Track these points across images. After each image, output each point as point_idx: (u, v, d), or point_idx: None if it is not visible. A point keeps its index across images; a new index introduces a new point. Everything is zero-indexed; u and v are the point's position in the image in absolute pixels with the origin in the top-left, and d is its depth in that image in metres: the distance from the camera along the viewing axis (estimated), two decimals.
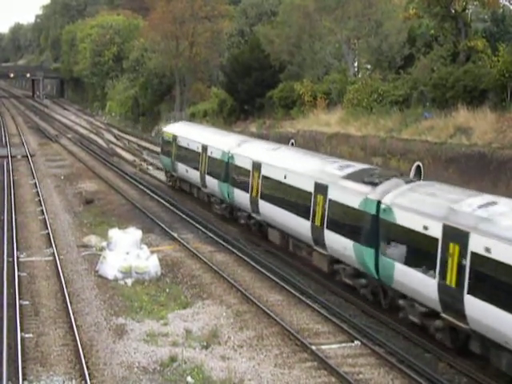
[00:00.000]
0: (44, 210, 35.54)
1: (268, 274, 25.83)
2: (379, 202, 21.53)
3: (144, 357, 18.80)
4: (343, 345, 19.95)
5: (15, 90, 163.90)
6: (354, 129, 40.58)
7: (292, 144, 44.56)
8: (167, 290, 24.30)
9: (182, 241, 30.36)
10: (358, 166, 25.40)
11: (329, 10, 49.75)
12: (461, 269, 17.84)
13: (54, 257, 27.44)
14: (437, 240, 18.74)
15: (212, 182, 34.61)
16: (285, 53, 53.40)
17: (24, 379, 17.20)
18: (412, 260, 20.00)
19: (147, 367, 18.24)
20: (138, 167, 51.70)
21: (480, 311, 17.24)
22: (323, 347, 19.60)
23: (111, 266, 25.39)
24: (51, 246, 29.11)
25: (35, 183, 43.84)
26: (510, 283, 16.34)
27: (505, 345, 16.75)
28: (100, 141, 68.71)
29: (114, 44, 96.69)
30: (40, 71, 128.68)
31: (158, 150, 55.17)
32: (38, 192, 40.86)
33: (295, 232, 26.80)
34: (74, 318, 20.94)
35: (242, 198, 31.25)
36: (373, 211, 21.70)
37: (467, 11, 42.74)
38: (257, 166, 29.84)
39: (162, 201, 38.59)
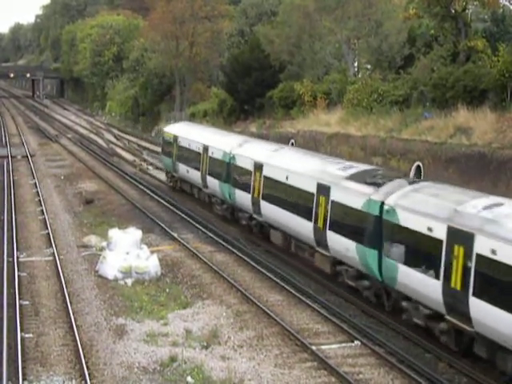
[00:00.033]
0: (44, 210, 35.54)
1: (268, 274, 25.82)
2: (382, 203, 21.34)
3: (144, 357, 18.80)
4: (343, 345, 19.94)
5: (15, 90, 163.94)
6: (353, 129, 40.59)
7: (292, 144, 44.56)
8: (167, 290, 24.30)
9: (182, 241, 30.35)
10: (360, 167, 25.22)
11: (329, 10, 49.77)
12: (466, 271, 17.65)
13: (54, 257, 27.44)
14: (441, 242, 18.56)
15: (213, 183, 34.49)
16: (285, 53, 53.42)
17: (24, 379, 17.19)
18: (416, 262, 19.78)
19: (147, 367, 18.24)
20: (138, 167, 51.71)
21: (485, 314, 17.05)
22: (323, 347, 19.60)
23: (111, 265, 25.39)
24: (51, 246, 29.10)
25: (35, 183, 43.84)
26: None
27: (511, 348, 16.56)
28: (100, 141, 68.71)
29: (114, 44, 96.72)
30: (40, 71, 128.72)
31: (158, 149, 55.20)
32: (38, 192, 40.86)
33: (297, 233, 26.62)
34: (74, 318, 20.94)
35: (243, 198, 31.10)
36: (376, 212, 21.52)
37: (467, 11, 42.75)
38: (258, 167, 29.68)
39: (161, 201, 38.59)
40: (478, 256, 17.29)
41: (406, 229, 20.15)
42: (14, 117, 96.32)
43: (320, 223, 24.56)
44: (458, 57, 40.60)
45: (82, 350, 18.66)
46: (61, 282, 24.33)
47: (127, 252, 25.83)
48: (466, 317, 17.76)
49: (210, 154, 35.09)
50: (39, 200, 38.49)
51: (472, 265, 17.45)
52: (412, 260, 19.98)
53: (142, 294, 23.82)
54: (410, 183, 22.08)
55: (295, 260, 27.58)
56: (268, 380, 17.66)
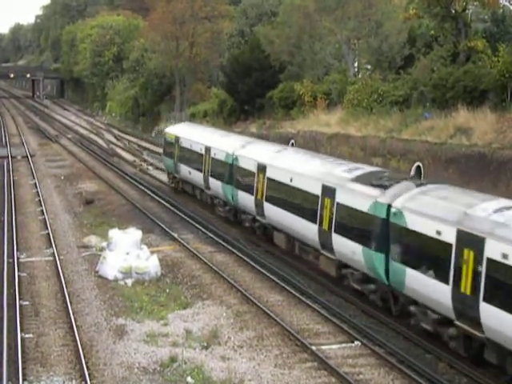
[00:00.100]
0: (44, 211, 35.54)
1: (268, 275, 25.81)
2: (389, 206, 21.01)
3: (144, 357, 18.80)
4: (343, 345, 19.93)
5: (15, 91, 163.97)
6: (354, 129, 40.59)
7: (292, 144, 44.54)
8: (167, 291, 24.30)
9: (182, 241, 30.35)
10: (366, 169, 24.93)
11: (329, 10, 49.79)
12: (476, 275, 17.30)
13: (54, 257, 27.44)
14: (450, 245, 18.19)
15: (215, 184, 34.25)
16: (285, 53, 53.43)
17: (24, 379, 17.20)
18: (424, 266, 19.38)
19: (147, 367, 18.24)
20: (138, 167, 51.70)
21: (496, 319, 16.70)
22: (323, 347, 19.59)
23: (111, 266, 25.39)
24: (51, 246, 29.11)
25: (35, 183, 43.86)
26: None
27: None
28: (100, 141, 68.73)
29: (114, 44, 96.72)
30: (40, 71, 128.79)
31: (158, 150, 55.24)
32: (38, 192, 40.87)
33: (301, 236, 26.33)
34: (74, 319, 20.94)
35: (246, 200, 30.85)
36: (383, 215, 21.20)
37: (467, 11, 42.76)
38: (262, 168, 29.41)
39: (162, 201, 38.57)
40: (489, 260, 16.90)
41: (414, 232, 19.79)
42: (14, 117, 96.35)
43: (325, 226, 24.25)
44: (458, 57, 40.60)
45: (82, 350, 18.66)
46: (61, 283, 24.34)
47: (127, 252, 25.84)
48: (476, 322, 17.41)
49: (212, 155, 34.84)
50: (39, 200, 38.50)
51: (482, 269, 17.07)
52: (420, 264, 19.59)
53: (142, 294, 23.81)
54: (418, 185, 21.65)
55: (295, 260, 27.56)
56: (268, 380, 17.67)
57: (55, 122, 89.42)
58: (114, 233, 26.88)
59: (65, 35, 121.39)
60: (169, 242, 30.68)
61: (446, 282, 18.32)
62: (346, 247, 23.10)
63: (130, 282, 25.01)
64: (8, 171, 47.59)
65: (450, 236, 18.28)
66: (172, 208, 36.90)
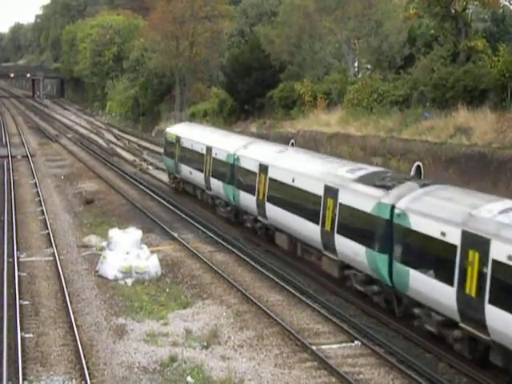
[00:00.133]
0: (44, 210, 35.54)
1: (268, 274, 25.82)
2: (393, 207, 20.83)
3: (144, 357, 18.80)
4: (343, 345, 19.93)
5: (15, 90, 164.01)
6: (354, 129, 40.59)
7: (292, 144, 44.53)
8: (167, 290, 24.30)
9: (182, 241, 30.35)
10: (369, 169, 24.74)
11: (329, 10, 49.80)
12: (481, 277, 17.12)
13: (54, 257, 27.44)
14: (455, 247, 18.01)
15: (217, 185, 34.11)
16: (285, 53, 53.44)
17: (24, 379, 17.20)
18: (428, 267, 19.19)
19: (147, 367, 18.24)
20: (138, 167, 51.71)
21: (502, 322, 16.51)
22: (323, 347, 19.60)
23: (111, 265, 25.39)
24: (51, 246, 29.11)
25: (35, 183, 43.85)
26: None
27: None
28: (100, 141, 68.74)
29: (114, 44, 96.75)
30: (40, 71, 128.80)
31: (158, 149, 55.27)
32: (38, 192, 40.86)
33: (304, 236, 26.14)
34: (74, 318, 20.94)
35: (248, 200, 30.71)
36: (386, 216, 21.02)
37: (467, 11, 42.75)
38: (263, 169, 29.26)
39: (162, 201, 38.57)
40: (494, 262, 16.72)
41: (418, 233, 19.61)
42: (15, 117, 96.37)
43: (327, 226, 24.09)
44: (458, 57, 40.61)
45: (82, 349, 18.66)
46: (61, 282, 24.34)
47: (127, 252, 25.84)
48: (481, 324, 17.24)
49: (213, 155, 34.68)
50: (39, 200, 38.49)
51: (488, 271, 16.89)
52: (424, 265, 19.41)
53: (142, 293, 23.82)
54: (421, 186, 21.44)
55: (295, 260, 27.55)
56: (268, 380, 17.67)
57: (55, 121, 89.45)
58: (114, 232, 26.89)
59: (65, 35, 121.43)
60: (169, 241, 30.68)
61: (451, 283, 18.15)
62: (349, 248, 22.93)
63: (130, 281, 25.01)
64: (8, 171, 47.59)
65: (454, 237, 18.12)
66: (172, 208, 36.89)
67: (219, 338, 20.21)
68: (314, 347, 19.37)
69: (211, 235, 31.40)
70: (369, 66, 51.16)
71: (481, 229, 17.44)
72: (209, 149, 35.38)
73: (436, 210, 19.35)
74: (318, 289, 24.57)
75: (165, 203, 37.98)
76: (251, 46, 57.96)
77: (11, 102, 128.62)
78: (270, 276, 25.58)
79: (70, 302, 22.31)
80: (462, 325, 18.12)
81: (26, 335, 19.89)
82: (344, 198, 23.32)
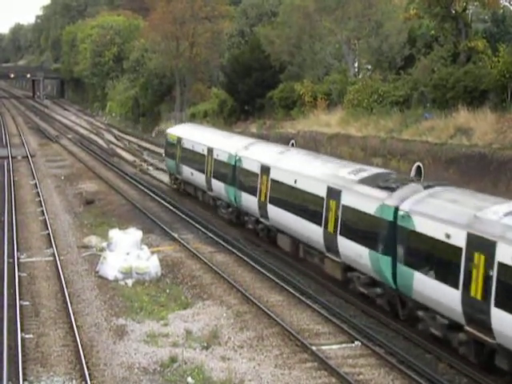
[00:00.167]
0: (44, 211, 35.54)
1: (268, 275, 25.81)
2: (397, 209, 20.69)
3: (144, 357, 18.80)
4: (343, 345, 19.93)
5: (15, 91, 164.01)
6: (354, 129, 40.60)
7: (292, 144, 44.52)
8: (167, 291, 24.30)
9: (182, 241, 30.34)
10: (372, 170, 24.60)
11: (329, 10, 49.80)
12: (487, 280, 16.95)
13: (55, 257, 27.45)
14: (460, 249, 17.83)
15: (218, 186, 34.02)
16: (285, 53, 53.45)
17: (24, 380, 17.21)
18: (433, 270, 19.02)
19: (147, 368, 18.24)
20: (139, 168, 51.71)
21: (508, 325, 16.37)
22: (323, 348, 19.59)
23: (111, 266, 25.39)
24: (51, 246, 29.11)
25: (35, 184, 43.87)
26: None
27: None
28: (100, 141, 68.75)
29: (115, 44, 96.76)
30: (40, 72, 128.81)
31: (158, 150, 55.31)
32: (38, 192, 40.87)
33: (306, 238, 25.98)
34: (75, 319, 20.95)
35: (249, 202, 30.57)
36: (390, 218, 20.87)
37: (467, 12, 42.76)
38: (265, 170, 29.12)
39: (162, 201, 38.57)
40: (500, 264, 16.54)
41: (423, 235, 19.43)
42: (15, 117, 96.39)
43: (330, 228, 23.94)
44: (459, 57, 40.61)
45: (83, 350, 18.67)
46: (61, 283, 24.34)
47: (127, 252, 25.84)
48: (487, 328, 17.09)
49: (214, 156, 34.58)
50: (39, 200, 38.50)
51: (494, 274, 16.72)
52: (429, 268, 19.18)
53: (142, 294, 23.82)
54: (425, 188, 21.25)
55: (295, 260, 27.54)
56: (268, 380, 17.67)
57: (55, 122, 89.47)
58: (115, 233, 26.89)
59: (65, 35, 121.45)
60: (169, 242, 30.68)
61: (456, 286, 18.00)
62: (352, 250, 22.79)
63: (130, 282, 25.01)
64: (8, 171, 47.61)
65: (459, 239, 17.96)
66: (172, 208, 36.89)
67: (219, 338, 20.20)
68: (314, 348, 19.37)
69: (211, 236, 31.39)
70: (369, 67, 51.15)
71: (486, 231, 17.26)
72: (210, 150, 35.30)
73: (441, 212, 19.18)
74: (318, 289, 24.56)
75: (165, 203, 37.97)
76: (251, 47, 57.97)
77: (11, 102, 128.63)
78: (271, 276, 25.58)
79: (70, 303, 22.32)
80: (467, 328, 17.95)
81: (26, 336, 19.89)
82: (347, 200, 23.19)
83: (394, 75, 44.24)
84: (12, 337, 19.35)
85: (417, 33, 45.55)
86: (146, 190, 42.09)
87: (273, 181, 28.53)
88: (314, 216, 25.00)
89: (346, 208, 23.21)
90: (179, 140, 40.20)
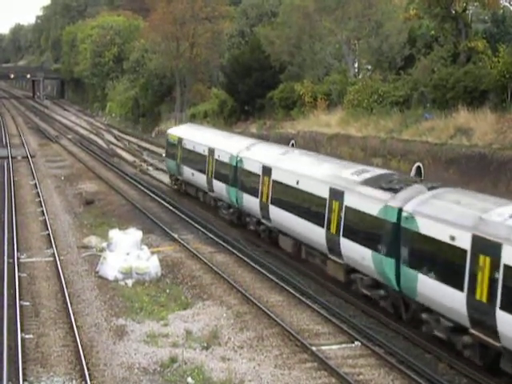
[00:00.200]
0: (44, 211, 35.54)
1: (268, 275, 25.81)
2: (400, 210, 20.53)
3: (144, 357, 18.80)
4: (343, 345, 19.92)
5: (15, 91, 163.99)
6: (354, 129, 40.62)
7: (292, 145, 44.52)
8: (167, 291, 24.30)
9: (182, 241, 30.33)
10: (375, 171, 24.42)
11: (329, 10, 49.83)
12: (492, 283, 16.79)
13: (55, 257, 27.44)
14: (465, 251, 17.65)
15: (219, 186, 33.90)
16: (285, 53, 53.47)
17: (24, 380, 17.21)
18: (437, 272, 18.84)
19: (147, 368, 18.24)
20: (138, 168, 51.70)
21: None
22: (323, 348, 19.59)
23: (111, 266, 25.39)
24: (51, 246, 29.11)
25: (35, 184, 43.85)
26: None
27: None
28: (100, 141, 68.76)
29: (115, 45, 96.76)
30: (40, 72, 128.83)
31: (158, 150, 55.31)
32: (38, 193, 40.86)
33: (308, 239, 25.85)
34: (75, 319, 20.94)
35: (251, 203, 30.44)
36: (393, 219, 20.70)
37: (467, 12, 42.80)
38: (267, 171, 28.99)
39: (162, 201, 38.56)
40: (506, 267, 16.40)
41: (427, 237, 19.25)
42: (15, 117, 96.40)
43: (333, 229, 23.78)
44: (459, 58, 40.64)
45: (83, 350, 18.67)
46: (61, 283, 24.34)
47: (127, 253, 25.84)
48: (492, 331, 16.95)
49: (216, 156, 34.47)
50: (39, 201, 38.50)
51: (499, 276, 16.57)
52: (433, 270, 19.01)
53: (142, 294, 23.81)
54: (429, 189, 21.09)
55: (295, 260, 27.54)
56: (268, 381, 17.67)
57: (55, 122, 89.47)
58: (115, 233, 26.89)
59: (65, 36, 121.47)
60: (169, 242, 30.68)
61: (461, 288, 17.85)
62: (355, 252, 22.65)
63: (130, 282, 25.01)
64: (8, 172, 47.61)
65: (464, 241, 17.80)
66: (172, 208, 36.88)
67: (219, 338, 20.20)
68: (314, 348, 19.37)
69: (211, 236, 31.39)
70: (369, 67, 51.17)
71: (492, 233, 17.11)
72: (211, 150, 35.23)
73: (445, 214, 19.02)
74: (318, 289, 24.55)
75: (165, 204, 37.96)
76: (251, 47, 58.00)
77: (11, 102, 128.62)
78: (270, 277, 25.58)
79: (70, 303, 22.32)
80: (472, 331, 17.83)
81: (26, 336, 19.89)
82: (350, 201, 23.04)
83: (394, 75, 44.27)
84: (12, 337, 19.35)
85: (417, 33, 45.57)
86: (145, 190, 42.08)
87: (274, 182, 28.41)
88: (316, 217, 24.84)
89: (348, 209, 23.05)
90: (180, 140, 40.11)
